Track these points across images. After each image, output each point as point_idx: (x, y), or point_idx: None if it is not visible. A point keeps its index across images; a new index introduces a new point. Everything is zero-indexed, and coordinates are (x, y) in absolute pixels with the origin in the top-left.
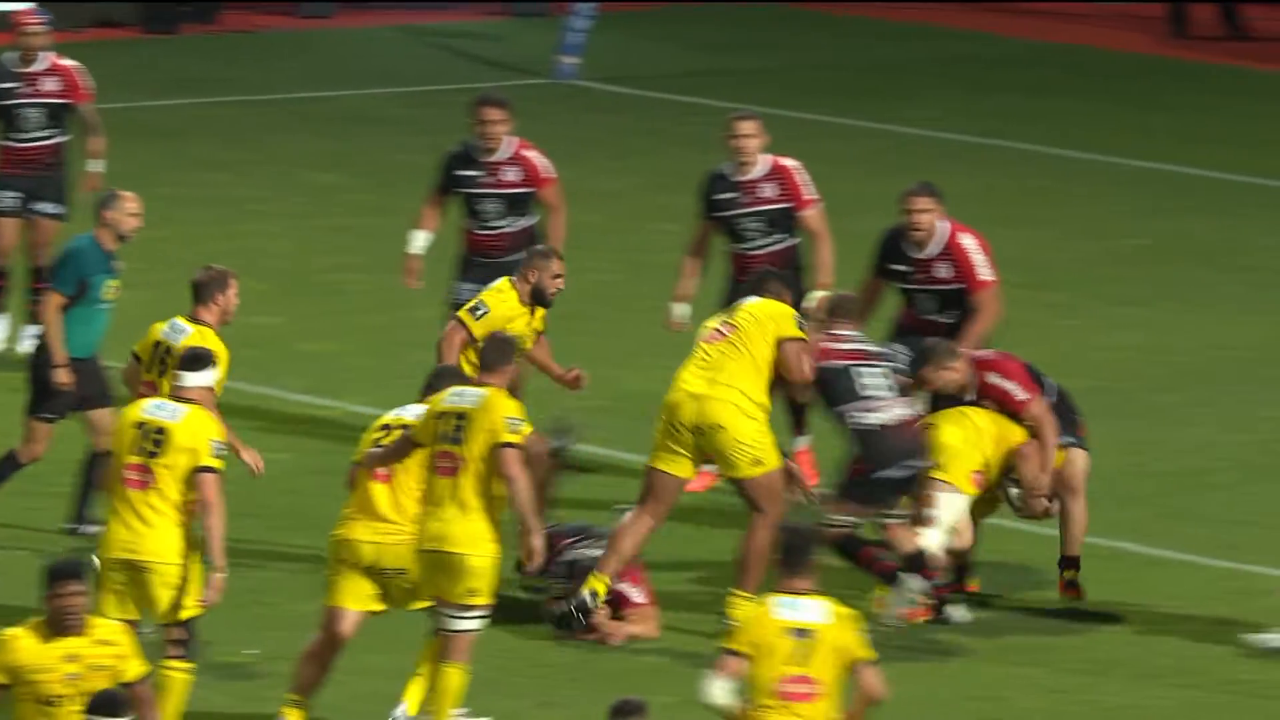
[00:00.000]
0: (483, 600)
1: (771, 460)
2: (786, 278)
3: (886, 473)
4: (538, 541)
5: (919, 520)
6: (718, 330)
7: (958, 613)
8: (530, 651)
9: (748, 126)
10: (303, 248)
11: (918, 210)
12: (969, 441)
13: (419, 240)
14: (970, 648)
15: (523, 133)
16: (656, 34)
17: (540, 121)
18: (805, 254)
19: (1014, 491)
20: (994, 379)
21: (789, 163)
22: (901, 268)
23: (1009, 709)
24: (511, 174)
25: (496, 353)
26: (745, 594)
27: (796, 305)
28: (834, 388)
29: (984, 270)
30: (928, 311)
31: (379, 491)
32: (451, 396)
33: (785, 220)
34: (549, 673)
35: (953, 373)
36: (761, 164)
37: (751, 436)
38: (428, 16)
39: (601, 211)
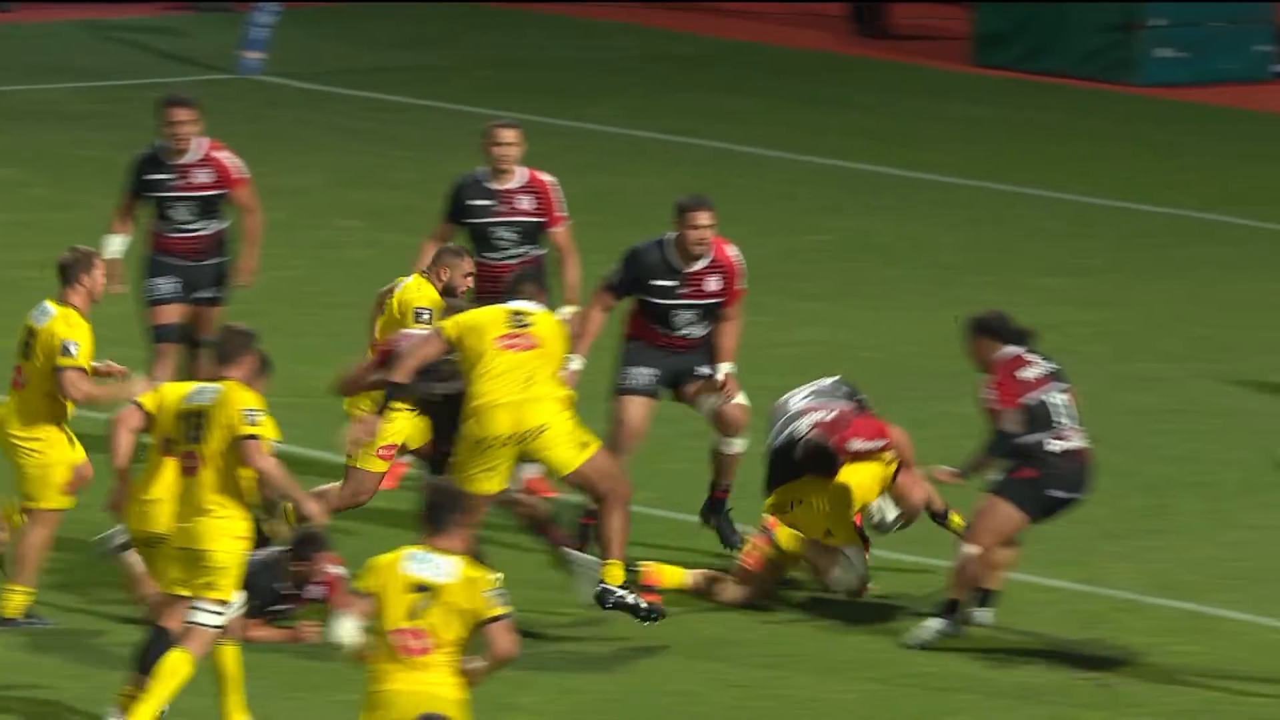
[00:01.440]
0: (223, 595)
1: (595, 440)
2: (539, 283)
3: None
4: (313, 505)
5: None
6: (517, 341)
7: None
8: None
9: (509, 135)
10: None
11: (706, 225)
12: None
13: (115, 244)
14: (659, 645)
15: (207, 128)
16: (342, 29)
17: (224, 117)
18: (549, 269)
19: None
20: (856, 445)
21: (546, 177)
22: (666, 283)
23: (698, 704)
24: (203, 176)
25: (233, 345)
26: (615, 561)
27: None
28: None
29: (743, 282)
30: (684, 324)
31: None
32: (191, 394)
33: (536, 234)
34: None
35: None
36: (519, 175)
37: (569, 425)
38: (110, 11)
39: (286, 207)
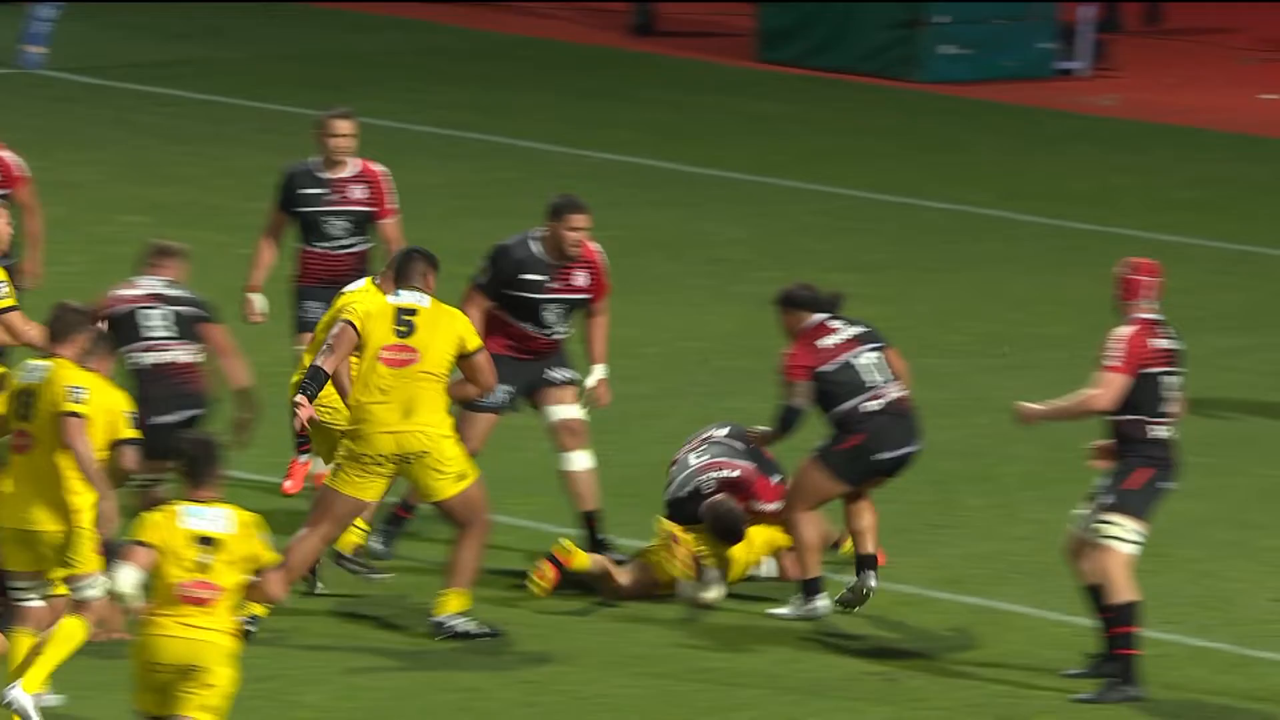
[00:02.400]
0: (86, 568)
1: (473, 472)
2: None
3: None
4: (106, 506)
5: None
6: (398, 356)
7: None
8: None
9: (344, 125)
10: None
11: (583, 228)
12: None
13: None
14: (444, 641)
15: None
16: (124, 24)
17: (5, 111)
18: (376, 262)
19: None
20: (760, 507)
21: (378, 168)
22: (536, 277)
23: (486, 699)
24: None
25: (65, 323)
26: (458, 590)
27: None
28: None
29: (609, 277)
30: (553, 321)
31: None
32: (23, 373)
33: (366, 224)
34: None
35: None
36: (351, 165)
37: (451, 453)
38: None
39: (68, 203)
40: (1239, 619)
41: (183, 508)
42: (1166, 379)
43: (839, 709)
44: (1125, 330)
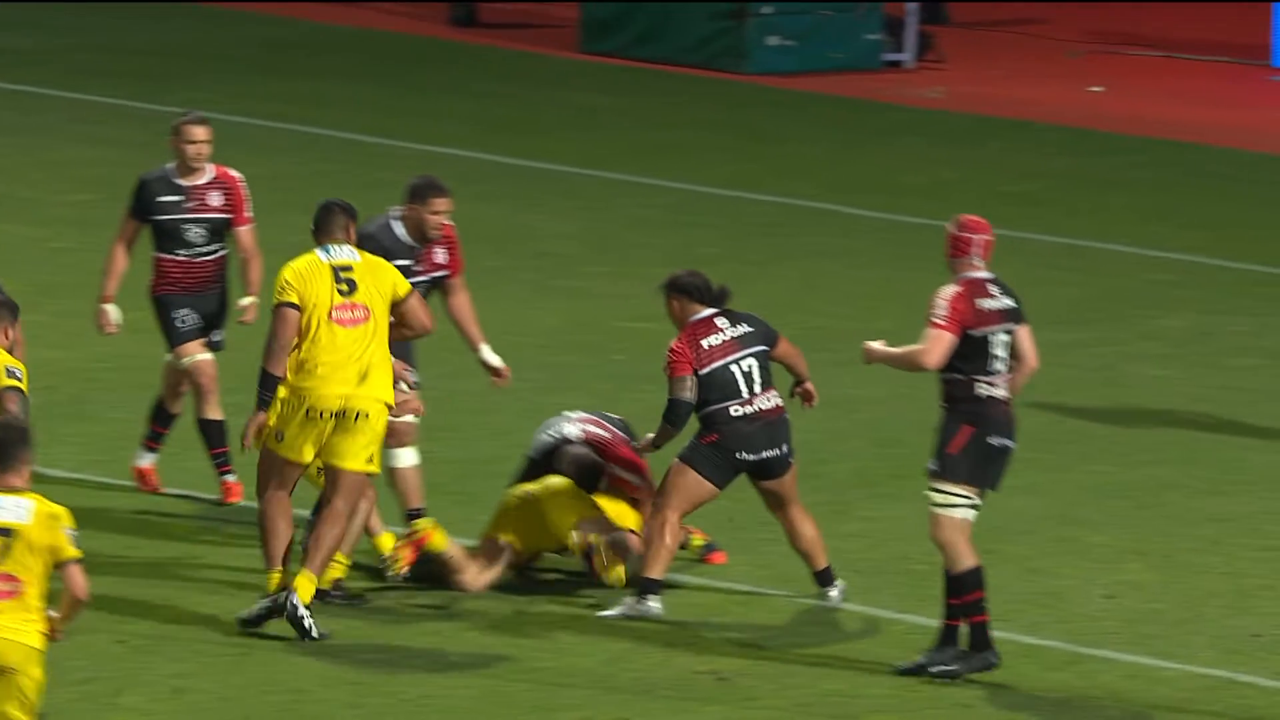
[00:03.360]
0: None
1: (378, 466)
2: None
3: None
4: None
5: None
6: (349, 315)
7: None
8: None
9: (201, 132)
10: None
11: (445, 211)
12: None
13: None
14: (269, 642)
15: None
16: None
17: None
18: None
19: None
20: (620, 473)
21: (235, 174)
22: (405, 262)
23: (310, 702)
24: None
25: None
26: (309, 574)
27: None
28: None
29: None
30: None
31: None
32: None
33: (224, 230)
34: None
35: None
36: (208, 171)
37: (379, 433)
38: None
39: None
40: (1070, 616)
41: None
42: (995, 338)
43: (669, 709)
44: (950, 289)
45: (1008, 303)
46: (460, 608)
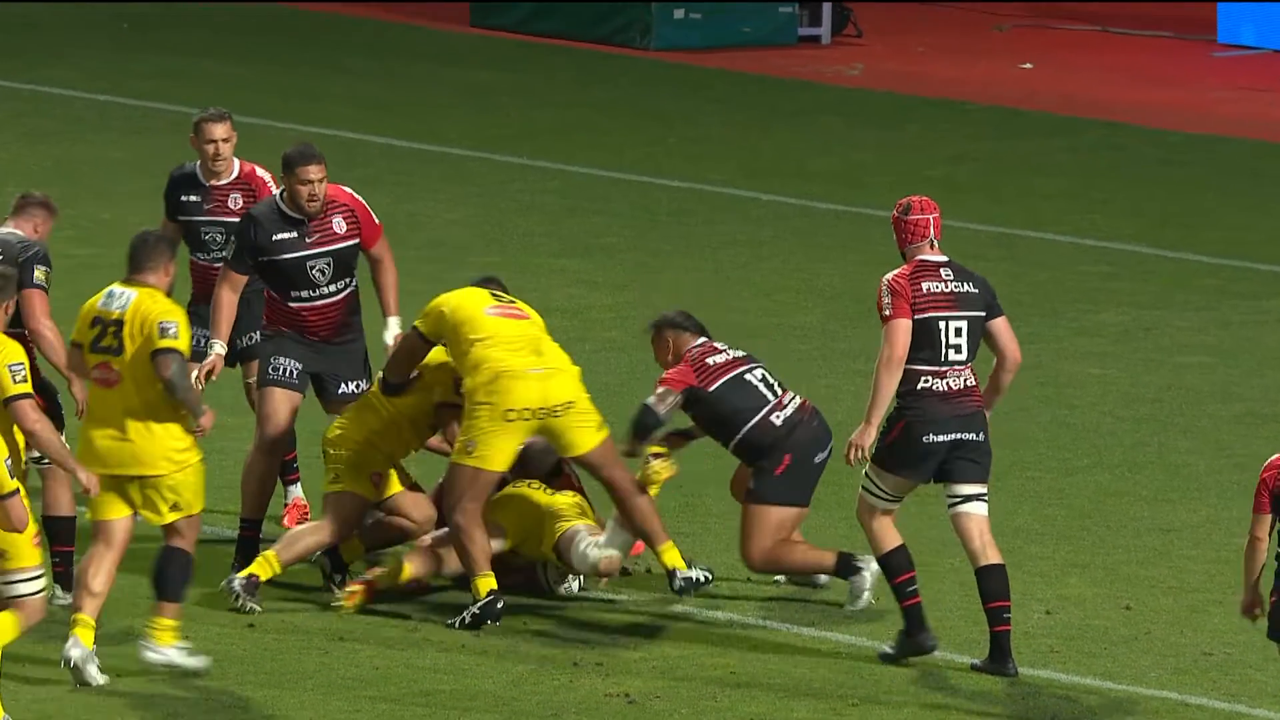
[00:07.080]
0: (26, 561)
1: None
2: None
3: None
4: None
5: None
6: (507, 310)
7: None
8: None
9: (221, 130)
10: None
11: (317, 179)
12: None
13: None
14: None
15: None
16: None
17: None
18: None
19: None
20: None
21: (263, 173)
22: (290, 235)
23: None
24: None
25: None
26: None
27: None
28: None
29: (377, 217)
30: (324, 281)
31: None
32: None
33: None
34: None
35: None
36: (233, 169)
37: (589, 403)
38: None
39: None
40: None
41: None
42: (945, 325)
43: None
44: (889, 275)
45: (962, 288)
46: (351, 627)
